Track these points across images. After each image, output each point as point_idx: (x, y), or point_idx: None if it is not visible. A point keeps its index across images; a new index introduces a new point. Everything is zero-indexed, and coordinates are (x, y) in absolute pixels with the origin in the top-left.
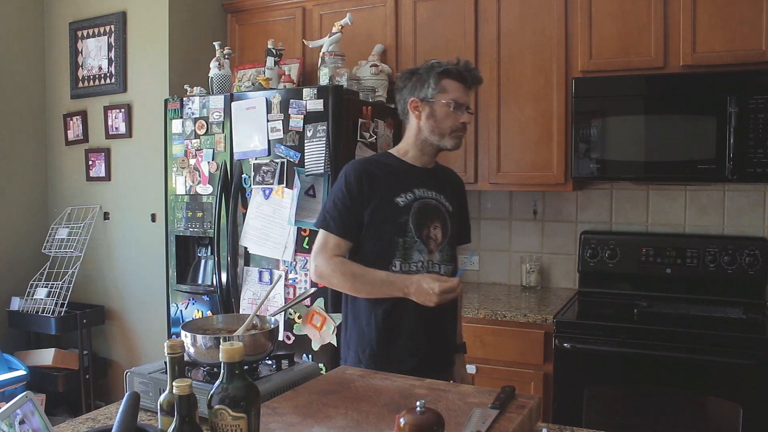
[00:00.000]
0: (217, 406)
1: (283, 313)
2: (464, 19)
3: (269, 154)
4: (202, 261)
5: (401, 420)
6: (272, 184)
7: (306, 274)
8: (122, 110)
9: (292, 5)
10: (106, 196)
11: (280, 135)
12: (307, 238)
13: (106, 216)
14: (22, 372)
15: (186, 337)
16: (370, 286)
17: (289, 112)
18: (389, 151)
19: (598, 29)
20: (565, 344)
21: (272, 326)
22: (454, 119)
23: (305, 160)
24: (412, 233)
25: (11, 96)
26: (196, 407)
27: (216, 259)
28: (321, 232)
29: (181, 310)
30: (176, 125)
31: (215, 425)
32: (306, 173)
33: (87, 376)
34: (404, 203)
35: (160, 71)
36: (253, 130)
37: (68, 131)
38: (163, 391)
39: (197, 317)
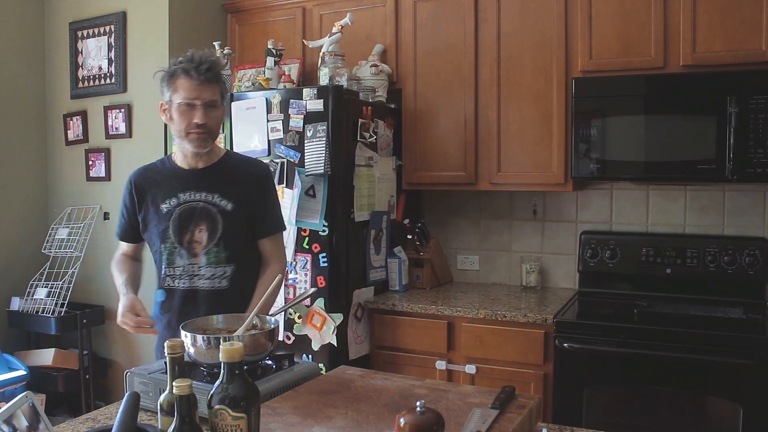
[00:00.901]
0: (217, 406)
1: (283, 313)
2: (464, 19)
3: (269, 154)
4: None
5: (401, 420)
6: None
7: (306, 274)
8: (122, 110)
9: (292, 5)
10: (106, 196)
11: (280, 135)
12: (307, 238)
13: (106, 216)
14: (22, 372)
15: (186, 337)
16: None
17: (289, 112)
18: (170, 153)
19: (598, 29)
20: (565, 344)
21: (272, 326)
22: (188, 119)
23: (305, 160)
24: (171, 239)
25: (11, 96)
26: (196, 407)
27: None
28: None
29: None
30: None
31: (215, 425)
32: (306, 173)
33: (87, 376)
34: (167, 210)
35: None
36: (253, 130)
37: (68, 131)
38: (163, 391)
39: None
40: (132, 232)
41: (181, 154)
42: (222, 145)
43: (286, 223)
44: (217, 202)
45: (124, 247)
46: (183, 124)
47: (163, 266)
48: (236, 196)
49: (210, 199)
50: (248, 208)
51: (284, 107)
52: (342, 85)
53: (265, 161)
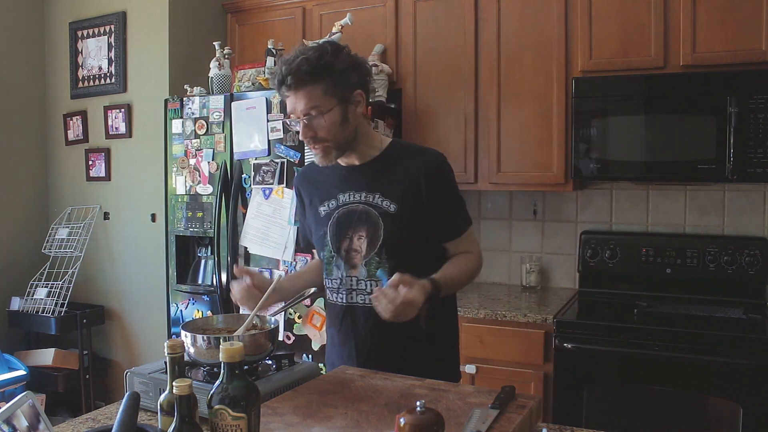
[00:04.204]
0: (217, 406)
1: (283, 313)
2: (464, 19)
3: (269, 154)
4: (202, 261)
5: (401, 420)
6: (272, 184)
7: None
8: (122, 110)
9: (292, 5)
10: (106, 196)
11: (280, 135)
12: None
13: (106, 216)
14: (22, 372)
15: (186, 337)
16: None
17: None
18: None
19: (598, 29)
20: (565, 344)
21: (272, 326)
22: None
23: (305, 160)
24: (329, 247)
25: (11, 96)
26: (196, 407)
27: (216, 259)
28: None
29: (181, 310)
30: (176, 125)
31: (215, 425)
32: None
33: (87, 376)
34: (325, 213)
35: (160, 71)
36: (253, 130)
37: (68, 131)
38: (163, 391)
39: (197, 317)
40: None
41: None
42: (222, 146)
43: (286, 222)
44: (379, 202)
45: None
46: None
47: (324, 277)
48: (401, 195)
49: (371, 199)
50: (417, 209)
51: (284, 107)
52: None
53: (265, 161)
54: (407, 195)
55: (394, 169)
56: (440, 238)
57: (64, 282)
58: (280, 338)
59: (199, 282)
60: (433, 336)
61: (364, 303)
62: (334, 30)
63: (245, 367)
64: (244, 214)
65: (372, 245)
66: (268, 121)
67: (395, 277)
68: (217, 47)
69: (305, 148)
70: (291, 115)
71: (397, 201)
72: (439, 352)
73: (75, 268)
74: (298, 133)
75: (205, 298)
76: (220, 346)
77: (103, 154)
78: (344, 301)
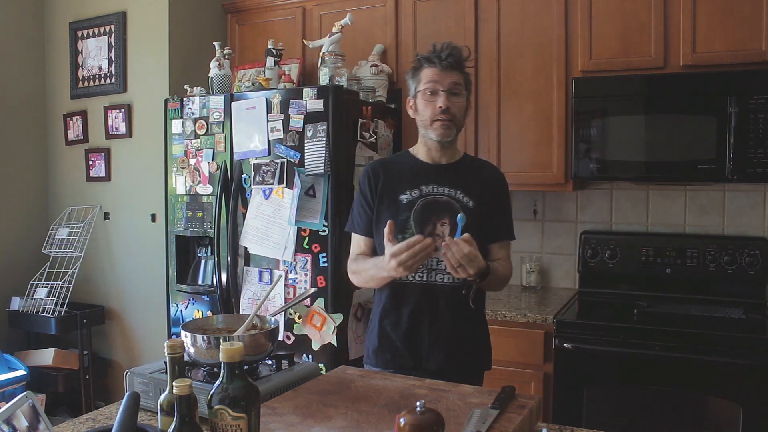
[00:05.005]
0: (217, 406)
1: (283, 313)
2: (464, 19)
3: (269, 154)
4: (202, 261)
5: (401, 420)
6: (272, 184)
7: (306, 274)
8: (122, 110)
9: (292, 5)
10: (106, 196)
11: (280, 135)
12: (307, 238)
13: (106, 216)
14: (22, 372)
15: (186, 337)
16: (368, 276)
17: (289, 112)
18: (409, 149)
19: (598, 29)
20: (565, 344)
21: (272, 326)
22: (432, 106)
23: (305, 160)
24: (412, 230)
25: (11, 96)
26: (196, 407)
27: (216, 259)
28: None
29: (181, 310)
30: (176, 125)
31: (215, 425)
32: (306, 173)
33: (87, 376)
34: (408, 200)
35: (160, 71)
36: (253, 130)
37: (68, 131)
38: (163, 391)
39: (197, 317)
40: (370, 224)
41: (425, 147)
42: (222, 146)
43: (286, 223)
44: (460, 197)
45: (360, 243)
46: (428, 111)
47: None
48: (478, 194)
49: (453, 194)
50: (487, 209)
51: (284, 107)
52: (342, 85)
53: (265, 161)
54: (483, 195)
55: (472, 172)
56: (491, 238)
57: (64, 282)
58: (280, 338)
59: (199, 282)
60: (484, 321)
61: (443, 282)
62: (334, 30)
63: (245, 367)
64: (244, 214)
65: (452, 232)
66: (268, 121)
67: (467, 235)
68: (217, 47)
69: (304, 148)
70: (437, 87)
71: (474, 198)
72: (486, 338)
73: (75, 268)
74: (424, 104)
75: (205, 298)
76: (220, 346)
77: (103, 154)
78: (424, 279)
